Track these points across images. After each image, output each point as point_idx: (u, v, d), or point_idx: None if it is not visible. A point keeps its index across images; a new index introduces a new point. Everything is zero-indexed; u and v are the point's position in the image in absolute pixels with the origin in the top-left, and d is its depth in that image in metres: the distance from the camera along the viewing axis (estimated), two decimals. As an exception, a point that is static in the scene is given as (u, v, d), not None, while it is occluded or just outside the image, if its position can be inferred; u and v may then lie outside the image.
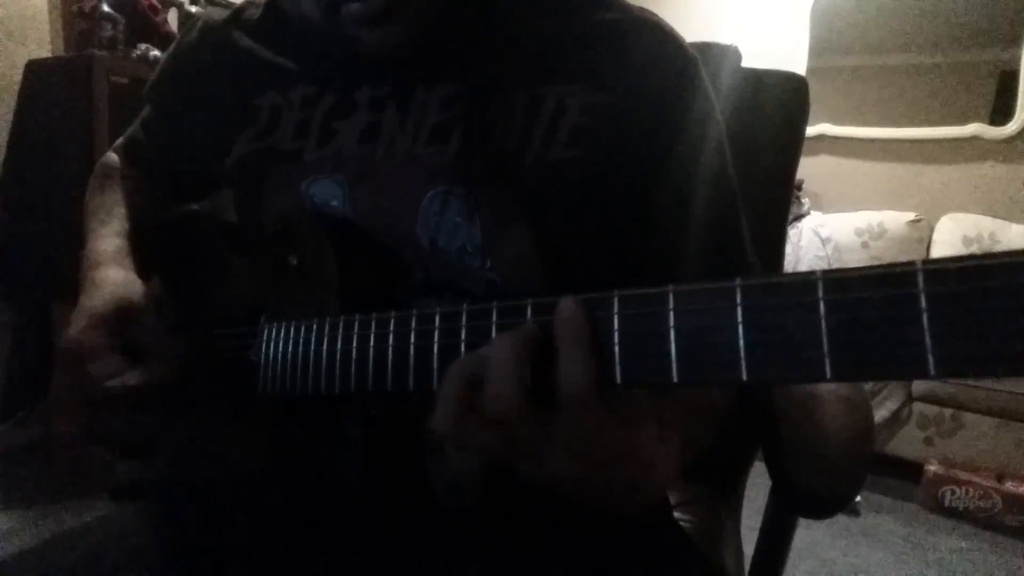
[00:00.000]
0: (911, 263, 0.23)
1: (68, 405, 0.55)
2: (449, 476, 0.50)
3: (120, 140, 0.75)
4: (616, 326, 0.30)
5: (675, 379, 0.28)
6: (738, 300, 0.27)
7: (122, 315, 0.56)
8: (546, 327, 0.33)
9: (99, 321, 0.55)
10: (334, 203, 0.54)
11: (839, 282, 0.24)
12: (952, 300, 0.22)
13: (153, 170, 0.72)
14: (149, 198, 0.71)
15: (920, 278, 0.22)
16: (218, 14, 0.66)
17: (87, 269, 0.60)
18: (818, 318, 0.24)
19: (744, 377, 0.26)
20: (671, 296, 0.29)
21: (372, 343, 0.41)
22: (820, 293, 0.24)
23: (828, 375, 0.24)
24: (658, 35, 0.55)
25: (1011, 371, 0.21)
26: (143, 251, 0.65)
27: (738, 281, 0.27)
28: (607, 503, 0.38)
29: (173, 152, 0.70)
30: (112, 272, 0.59)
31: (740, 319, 0.26)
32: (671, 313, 0.28)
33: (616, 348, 0.30)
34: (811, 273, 0.25)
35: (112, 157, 0.74)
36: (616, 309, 0.31)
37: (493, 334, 0.35)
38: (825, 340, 0.24)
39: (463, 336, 0.36)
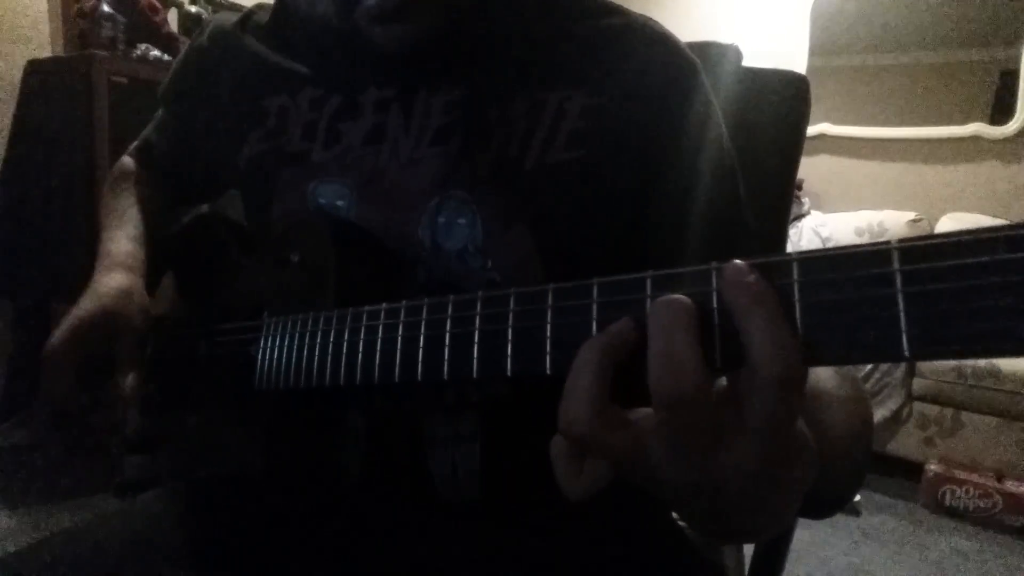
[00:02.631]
0: (886, 242, 0.22)
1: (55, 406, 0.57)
2: (448, 471, 0.51)
3: (135, 144, 0.76)
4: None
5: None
6: (713, 285, 0.26)
7: (101, 325, 0.57)
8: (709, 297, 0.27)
9: (73, 332, 0.56)
10: (340, 203, 0.54)
11: (814, 263, 0.24)
12: (927, 279, 0.21)
13: (165, 173, 0.73)
14: (161, 201, 0.72)
15: (895, 257, 0.22)
16: (228, 18, 0.67)
17: (97, 272, 0.61)
18: (792, 300, 0.24)
19: (719, 364, 0.26)
20: (648, 282, 0.29)
21: (362, 335, 0.41)
22: (795, 275, 0.24)
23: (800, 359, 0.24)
24: (657, 40, 0.56)
25: (986, 351, 0.20)
26: (155, 252, 0.66)
27: (713, 264, 0.26)
28: (761, 518, 0.30)
29: (184, 154, 0.71)
30: (115, 277, 0.60)
31: (715, 305, 0.26)
32: (648, 300, 0.28)
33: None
34: (787, 255, 0.24)
35: (127, 161, 0.75)
36: (595, 296, 0.31)
37: (478, 324, 0.34)
38: (799, 322, 0.24)
39: (448, 327, 0.36)
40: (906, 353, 0.21)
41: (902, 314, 0.21)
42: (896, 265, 0.22)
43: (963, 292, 0.20)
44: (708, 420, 0.26)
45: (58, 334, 0.55)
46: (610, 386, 0.28)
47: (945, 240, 0.21)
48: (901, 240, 0.22)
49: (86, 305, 0.57)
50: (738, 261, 0.26)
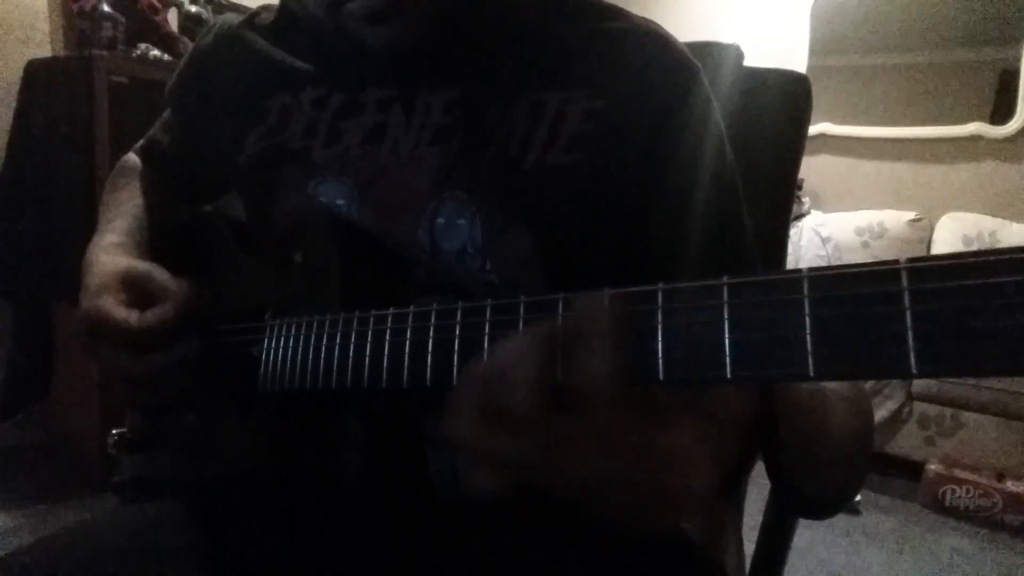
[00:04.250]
0: (895, 261, 0.23)
1: (107, 381, 0.55)
2: (448, 472, 0.51)
3: (140, 142, 0.76)
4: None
5: (660, 377, 0.28)
6: (724, 298, 0.27)
7: (128, 280, 0.57)
8: (562, 322, 0.31)
9: (104, 289, 0.55)
10: (340, 202, 0.54)
11: (824, 280, 0.24)
12: (935, 298, 0.22)
13: (169, 172, 0.73)
14: (164, 198, 0.72)
15: (904, 276, 0.22)
16: (233, 19, 0.67)
17: (85, 263, 0.61)
18: (802, 316, 0.24)
19: (728, 375, 0.26)
20: (659, 294, 0.29)
21: (370, 339, 0.41)
22: (805, 291, 0.25)
23: (811, 373, 0.24)
24: (659, 44, 0.56)
25: (993, 371, 0.21)
26: (152, 248, 0.66)
27: (725, 279, 0.27)
28: (636, 516, 0.34)
29: (189, 153, 0.71)
30: (109, 258, 0.60)
31: (726, 316, 0.27)
32: (659, 311, 0.29)
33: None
34: (797, 271, 0.25)
35: (132, 157, 0.75)
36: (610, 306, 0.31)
37: (487, 331, 0.35)
38: (808, 338, 0.24)
39: (457, 332, 0.36)
40: (914, 371, 0.22)
41: (910, 332, 0.22)
42: (905, 284, 0.22)
43: (970, 312, 0.21)
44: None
45: (83, 303, 0.55)
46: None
47: (953, 261, 0.22)
48: (910, 259, 0.23)
49: (96, 277, 0.57)
50: (598, 294, 0.30)
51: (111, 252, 0.61)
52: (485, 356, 0.34)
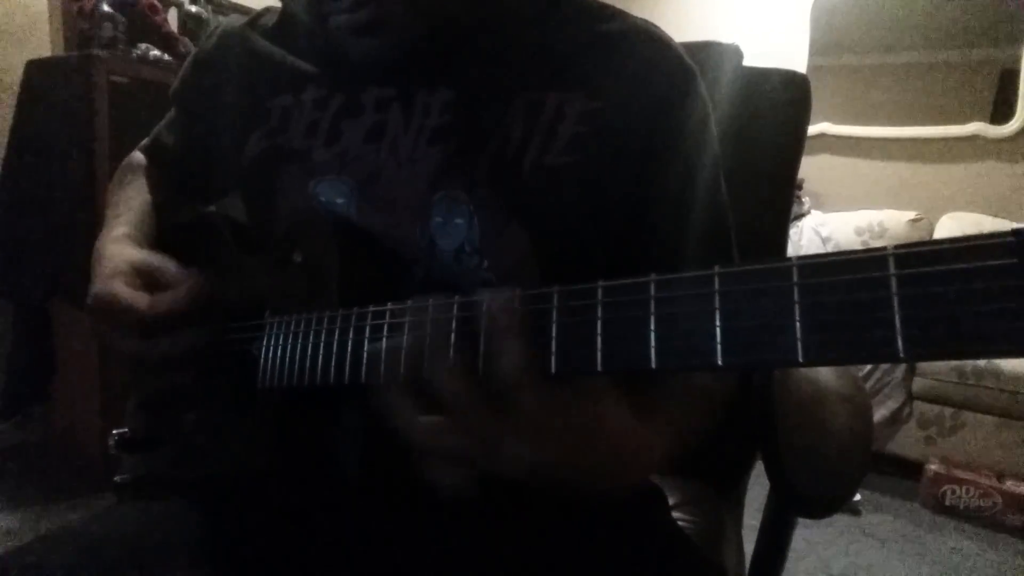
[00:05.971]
0: (882, 248, 0.23)
1: (114, 361, 0.55)
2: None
3: (145, 140, 0.77)
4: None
5: (653, 365, 0.29)
6: (715, 287, 0.27)
7: (140, 268, 0.56)
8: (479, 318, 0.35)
9: (117, 273, 0.55)
10: (340, 201, 0.55)
11: (813, 268, 0.25)
12: (921, 283, 0.22)
13: (173, 170, 0.74)
14: (167, 197, 0.72)
15: (891, 262, 0.23)
16: (237, 20, 0.68)
17: (96, 254, 0.60)
18: (792, 303, 0.25)
19: (720, 362, 0.27)
20: (652, 284, 0.29)
21: (367, 335, 0.42)
22: (795, 278, 0.25)
23: (800, 359, 0.25)
24: (657, 46, 0.56)
25: (979, 353, 0.21)
26: (156, 245, 0.65)
27: (716, 268, 0.28)
28: (584, 487, 0.40)
29: (192, 153, 0.71)
30: (119, 248, 0.60)
31: (717, 305, 0.27)
32: (652, 301, 0.29)
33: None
34: (787, 259, 0.25)
35: (137, 156, 0.76)
36: (600, 297, 0.32)
37: (483, 324, 0.35)
38: (798, 324, 0.25)
39: (453, 327, 0.36)
40: (901, 354, 0.22)
41: (897, 316, 0.22)
42: (892, 269, 0.23)
43: (955, 296, 0.21)
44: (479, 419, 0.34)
45: (97, 286, 0.54)
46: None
47: (938, 246, 0.22)
48: (897, 246, 0.23)
49: (108, 266, 0.56)
50: (502, 294, 0.34)
51: (121, 243, 0.61)
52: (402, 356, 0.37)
